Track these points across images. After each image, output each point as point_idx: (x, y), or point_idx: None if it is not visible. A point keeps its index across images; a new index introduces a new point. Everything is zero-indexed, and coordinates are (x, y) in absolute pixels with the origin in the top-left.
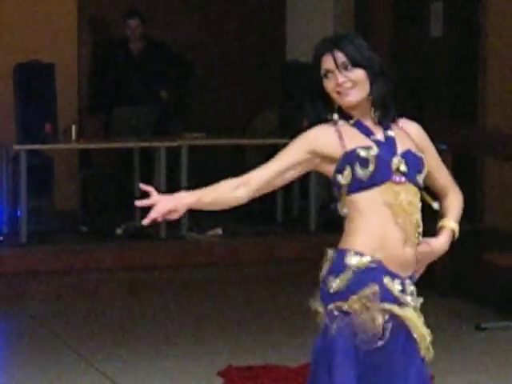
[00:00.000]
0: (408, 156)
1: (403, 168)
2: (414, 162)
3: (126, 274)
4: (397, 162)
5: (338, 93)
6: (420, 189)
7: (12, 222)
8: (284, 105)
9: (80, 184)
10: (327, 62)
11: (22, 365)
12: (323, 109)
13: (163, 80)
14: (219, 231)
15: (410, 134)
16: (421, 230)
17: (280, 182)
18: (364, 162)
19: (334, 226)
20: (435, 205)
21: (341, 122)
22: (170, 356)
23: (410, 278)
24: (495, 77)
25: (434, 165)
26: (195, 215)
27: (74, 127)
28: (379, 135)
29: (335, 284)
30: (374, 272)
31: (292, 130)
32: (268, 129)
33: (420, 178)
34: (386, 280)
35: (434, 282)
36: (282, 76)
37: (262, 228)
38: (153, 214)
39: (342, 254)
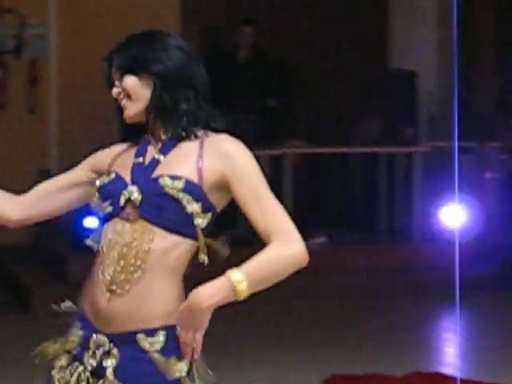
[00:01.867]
0: (151, 186)
1: (136, 200)
2: (154, 193)
3: None
4: (129, 192)
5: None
6: (169, 229)
7: None
8: (386, 113)
9: None
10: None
11: None
12: (131, 128)
13: (269, 89)
14: (323, 239)
15: (205, 155)
16: (143, 279)
17: (62, 202)
18: (96, 192)
19: (438, 235)
20: (201, 256)
21: (141, 140)
22: (272, 364)
23: (124, 336)
24: None
25: (246, 200)
26: (300, 222)
27: None
28: (149, 156)
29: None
30: (74, 319)
31: (394, 139)
32: (370, 137)
33: (164, 216)
34: (76, 330)
35: None
36: (385, 84)
37: (366, 237)
38: None
39: None
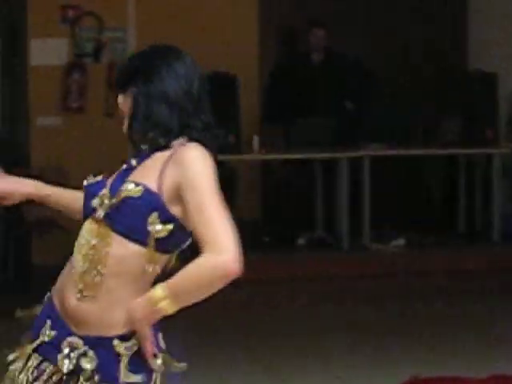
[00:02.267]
0: (117, 190)
1: (104, 203)
2: (117, 198)
3: (307, 283)
4: (101, 195)
5: None
6: (124, 235)
7: None
8: (466, 115)
9: (261, 194)
10: None
11: None
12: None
13: (345, 91)
14: (402, 242)
15: (169, 164)
16: (99, 280)
17: None
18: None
19: None
20: (147, 266)
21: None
22: (348, 366)
23: (89, 339)
24: None
25: (190, 211)
26: (378, 226)
27: (255, 138)
28: (132, 163)
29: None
30: (44, 310)
31: (474, 140)
32: (449, 139)
33: (121, 221)
34: (47, 324)
35: None
36: (464, 85)
37: (445, 239)
38: None
39: None
